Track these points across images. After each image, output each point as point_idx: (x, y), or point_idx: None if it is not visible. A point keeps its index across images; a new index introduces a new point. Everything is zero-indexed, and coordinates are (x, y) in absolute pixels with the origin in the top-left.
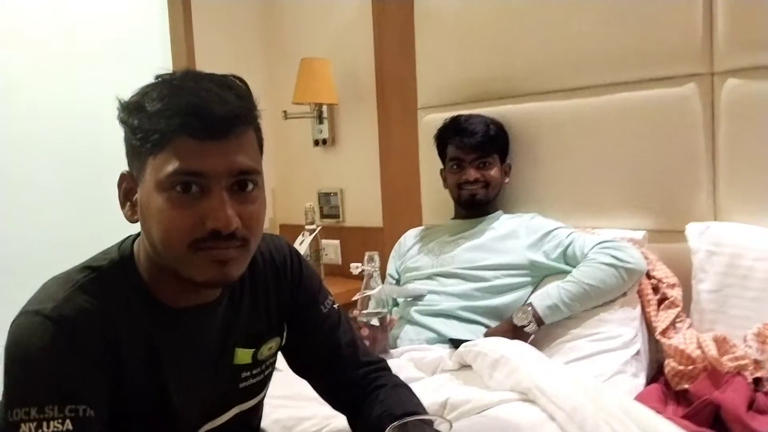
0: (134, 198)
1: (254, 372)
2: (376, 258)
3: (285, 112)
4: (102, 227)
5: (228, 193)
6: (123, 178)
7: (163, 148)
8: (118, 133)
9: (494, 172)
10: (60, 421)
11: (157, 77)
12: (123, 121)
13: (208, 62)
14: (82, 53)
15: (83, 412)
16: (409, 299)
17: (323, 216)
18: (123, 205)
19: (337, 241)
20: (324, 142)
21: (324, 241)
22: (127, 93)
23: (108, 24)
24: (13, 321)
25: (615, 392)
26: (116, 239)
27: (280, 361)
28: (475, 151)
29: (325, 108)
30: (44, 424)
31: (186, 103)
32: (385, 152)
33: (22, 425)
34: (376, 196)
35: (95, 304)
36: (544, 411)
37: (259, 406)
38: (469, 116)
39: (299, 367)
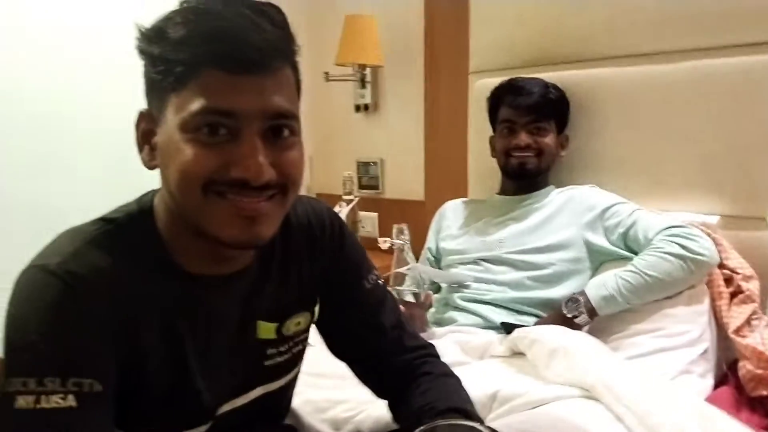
0: (153, 141)
1: (281, 349)
2: (406, 230)
3: (326, 73)
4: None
5: (261, 140)
6: (141, 117)
7: (188, 83)
8: None
9: (549, 140)
10: (62, 396)
11: (182, 2)
12: (142, 51)
13: None
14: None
15: (89, 386)
16: (453, 285)
17: (362, 186)
18: (141, 149)
19: (375, 214)
20: (366, 107)
21: (362, 213)
22: None
23: None
24: (18, 276)
25: (690, 394)
26: None
27: (314, 336)
28: (529, 113)
29: (368, 71)
30: (43, 398)
31: (215, 28)
32: (430, 120)
33: (19, 398)
34: (418, 168)
35: (108, 260)
36: (609, 410)
37: (287, 388)
38: (529, 78)
39: (337, 349)
